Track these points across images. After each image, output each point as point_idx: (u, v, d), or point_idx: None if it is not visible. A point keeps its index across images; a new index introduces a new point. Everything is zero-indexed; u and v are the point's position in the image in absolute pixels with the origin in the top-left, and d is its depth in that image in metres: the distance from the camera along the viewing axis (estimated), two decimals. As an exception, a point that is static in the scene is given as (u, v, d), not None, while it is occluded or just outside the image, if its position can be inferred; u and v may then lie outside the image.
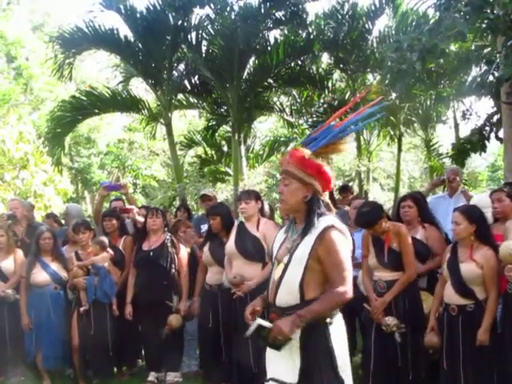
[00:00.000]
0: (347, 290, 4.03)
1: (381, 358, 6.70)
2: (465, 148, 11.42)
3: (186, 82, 15.38)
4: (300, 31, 14.48)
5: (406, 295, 6.71)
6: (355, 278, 7.34)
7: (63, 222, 10.92)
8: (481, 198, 7.95)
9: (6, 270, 8.67)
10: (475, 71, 11.29)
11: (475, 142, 11.05)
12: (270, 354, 4.26)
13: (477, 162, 32.82)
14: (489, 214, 6.99)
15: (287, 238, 4.34)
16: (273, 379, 4.22)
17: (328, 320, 4.11)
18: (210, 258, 7.92)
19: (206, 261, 8.02)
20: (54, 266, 8.57)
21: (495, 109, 11.37)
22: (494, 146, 18.64)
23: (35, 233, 8.91)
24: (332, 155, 4.42)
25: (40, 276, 8.48)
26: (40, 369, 8.54)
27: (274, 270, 4.39)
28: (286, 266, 4.19)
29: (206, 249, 8.05)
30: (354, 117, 4.37)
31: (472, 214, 6.34)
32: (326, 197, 4.28)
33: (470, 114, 12.31)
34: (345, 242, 4.15)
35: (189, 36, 14.16)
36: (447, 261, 6.38)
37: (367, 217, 6.97)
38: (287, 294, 4.15)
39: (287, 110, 17.53)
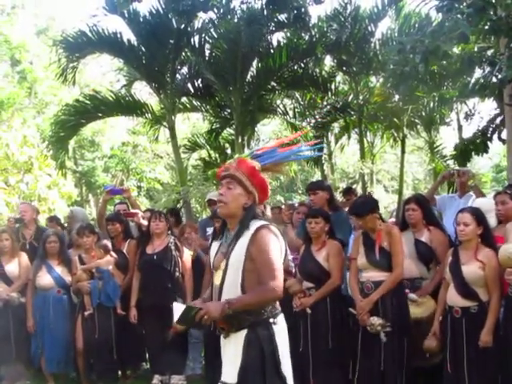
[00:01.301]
0: (277, 286, 4.12)
1: (367, 363, 6.68)
2: (467, 149, 11.42)
3: (190, 85, 15.41)
4: (303, 34, 14.50)
5: (393, 296, 6.68)
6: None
7: (66, 225, 10.92)
8: (484, 201, 7.94)
9: (11, 274, 8.69)
10: (478, 73, 11.27)
11: (478, 143, 11.05)
12: (223, 357, 4.41)
13: (481, 163, 32.81)
14: (491, 219, 6.99)
15: (222, 244, 4.45)
16: (221, 382, 4.33)
17: (271, 320, 4.23)
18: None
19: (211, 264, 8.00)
20: (59, 270, 8.60)
21: (498, 110, 11.36)
22: (498, 147, 18.59)
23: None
24: (272, 173, 4.71)
25: (44, 279, 8.52)
26: (44, 372, 8.57)
27: (213, 277, 4.49)
28: (225, 271, 4.29)
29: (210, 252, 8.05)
30: (297, 148, 4.62)
31: (480, 215, 6.34)
32: (259, 209, 4.54)
33: (473, 115, 12.31)
34: (275, 242, 4.24)
35: (192, 39, 14.19)
36: (449, 264, 6.37)
37: (360, 206, 7.02)
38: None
39: (290, 112, 17.52)
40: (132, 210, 9.56)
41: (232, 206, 4.30)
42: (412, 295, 6.84)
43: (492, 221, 6.99)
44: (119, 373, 8.75)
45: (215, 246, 4.57)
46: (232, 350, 4.26)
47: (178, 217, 10.53)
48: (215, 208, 9.27)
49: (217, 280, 4.36)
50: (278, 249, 4.24)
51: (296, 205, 9.61)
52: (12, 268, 8.72)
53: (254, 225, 4.23)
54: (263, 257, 4.14)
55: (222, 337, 4.42)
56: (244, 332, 4.19)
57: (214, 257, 4.50)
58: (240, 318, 4.16)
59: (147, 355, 8.94)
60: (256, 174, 4.34)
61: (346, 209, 9.53)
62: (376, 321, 6.53)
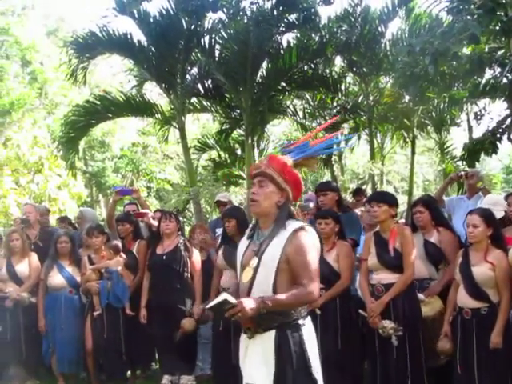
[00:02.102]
0: (315, 289, 4.09)
1: (386, 367, 6.66)
2: (476, 149, 11.37)
3: (200, 85, 15.36)
4: (313, 34, 14.45)
5: (405, 297, 6.66)
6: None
7: (77, 225, 10.95)
8: (492, 196, 7.94)
9: (21, 274, 8.75)
10: (489, 73, 11.22)
11: (487, 144, 11.00)
12: (246, 359, 4.31)
13: (492, 165, 32.75)
14: (498, 213, 7.01)
15: (252, 242, 4.38)
16: None
17: (300, 321, 4.18)
18: (223, 261, 7.92)
19: (221, 264, 8.02)
20: (70, 270, 8.65)
21: (508, 111, 11.32)
22: (509, 149, 18.55)
23: (52, 236, 8.99)
24: (305, 168, 4.62)
25: (56, 279, 8.57)
26: (55, 372, 8.60)
27: (240, 274, 4.41)
28: (256, 269, 4.22)
29: (220, 252, 8.06)
30: (330, 139, 4.56)
31: (490, 217, 6.33)
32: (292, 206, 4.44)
33: (483, 115, 12.26)
34: (313, 244, 4.21)
35: (202, 40, 14.16)
36: (459, 265, 6.36)
37: (380, 194, 7.19)
38: None
39: (300, 113, 17.46)
40: (142, 210, 9.57)
41: (265, 205, 4.25)
42: (419, 295, 6.83)
43: (498, 214, 7.01)
44: (129, 373, 8.78)
45: (244, 243, 4.50)
46: (259, 351, 4.19)
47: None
48: (225, 209, 9.33)
49: (245, 278, 4.30)
50: (315, 251, 4.21)
51: (311, 206, 9.52)
52: (22, 268, 8.78)
53: (291, 225, 4.19)
54: (301, 258, 4.10)
55: (245, 337, 4.35)
56: (272, 333, 4.13)
57: (242, 254, 4.43)
58: (269, 318, 4.11)
59: (157, 355, 8.96)
60: (288, 170, 4.27)
61: (356, 210, 9.54)
62: (388, 324, 6.50)
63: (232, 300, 3.98)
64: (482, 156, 11.71)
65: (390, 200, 6.95)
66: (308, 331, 4.23)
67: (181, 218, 10.32)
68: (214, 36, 14.22)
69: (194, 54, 14.56)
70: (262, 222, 4.37)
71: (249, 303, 3.97)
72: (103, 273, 8.41)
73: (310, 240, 4.19)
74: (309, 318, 4.29)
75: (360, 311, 6.87)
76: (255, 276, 4.21)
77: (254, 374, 4.21)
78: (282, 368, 4.10)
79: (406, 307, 6.63)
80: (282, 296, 4.06)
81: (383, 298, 6.65)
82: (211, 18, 14.01)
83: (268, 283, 4.14)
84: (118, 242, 8.62)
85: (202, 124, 29.35)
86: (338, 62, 16.39)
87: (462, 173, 9.05)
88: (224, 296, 4.03)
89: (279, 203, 4.25)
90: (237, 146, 18.11)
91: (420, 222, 7.36)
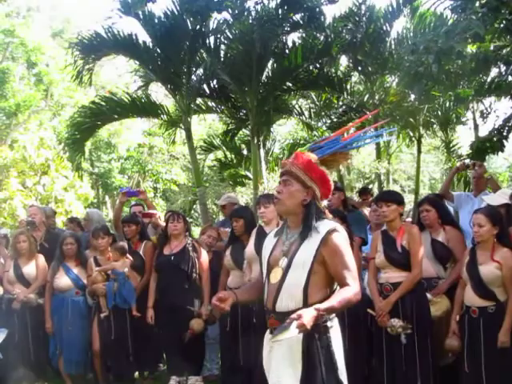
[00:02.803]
0: (359, 290, 4.03)
1: (394, 365, 6.65)
2: (483, 147, 11.36)
3: (205, 86, 15.37)
4: (318, 34, 14.45)
5: (413, 296, 6.64)
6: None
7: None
8: (493, 196, 7.94)
9: (28, 275, 8.77)
10: (494, 72, 11.22)
11: (494, 142, 10.99)
12: (272, 360, 4.21)
13: (498, 163, 32.71)
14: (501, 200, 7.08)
15: (281, 242, 4.32)
16: None
17: (329, 324, 4.11)
18: (231, 261, 7.90)
19: (228, 264, 8.00)
20: (77, 271, 8.65)
21: (515, 109, 11.32)
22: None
23: (57, 238, 9.01)
24: (335, 165, 4.45)
25: (62, 281, 8.57)
26: (62, 373, 8.61)
27: (266, 274, 4.34)
28: (286, 270, 4.16)
29: (227, 252, 8.04)
30: (361, 133, 4.47)
31: (495, 216, 6.33)
32: (322, 204, 4.30)
33: (489, 113, 12.25)
34: (348, 245, 4.17)
35: (207, 41, 14.17)
36: (466, 264, 6.36)
37: (387, 193, 7.19)
38: (289, 299, 4.12)
39: (306, 112, 17.45)
40: (150, 211, 9.56)
41: (288, 203, 4.19)
42: (427, 294, 6.83)
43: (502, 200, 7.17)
44: (136, 374, 8.79)
45: (271, 240, 4.44)
46: (286, 352, 4.10)
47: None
48: (233, 208, 9.32)
49: (274, 278, 4.22)
50: (351, 253, 4.18)
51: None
52: (29, 269, 8.80)
53: (324, 226, 4.13)
54: (341, 259, 4.05)
55: (270, 337, 4.23)
56: (300, 335, 3.95)
57: (269, 253, 4.36)
58: None
59: (164, 356, 8.96)
60: (313, 168, 4.19)
61: (364, 209, 9.55)
62: (397, 323, 6.49)
63: (294, 331, 3.76)
64: (488, 155, 11.72)
65: (398, 199, 6.96)
66: (336, 333, 4.17)
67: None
68: (218, 36, 14.24)
69: (199, 54, 14.58)
70: (290, 221, 4.32)
71: (308, 316, 3.76)
72: (109, 274, 8.41)
73: (345, 240, 4.15)
74: (336, 320, 4.21)
75: (369, 310, 6.85)
76: (285, 277, 4.15)
77: (280, 375, 4.13)
78: (309, 370, 4.04)
79: (415, 305, 6.61)
80: (333, 302, 3.97)
81: (391, 297, 6.64)
82: (216, 18, 14.02)
83: (299, 285, 4.08)
84: (124, 244, 8.62)
85: (207, 124, 29.35)
86: (344, 61, 16.41)
87: (469, 162, 9.01)
88: (281, 326, 3.85)
89: (305, 202, 4.18)
90: (243, 146, 18.14)
91: (426, 220, 7.36)
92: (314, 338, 4.05)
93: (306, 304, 4.03)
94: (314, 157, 4.21)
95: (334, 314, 4.16)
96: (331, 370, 4.07)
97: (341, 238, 4.12)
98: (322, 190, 4.25)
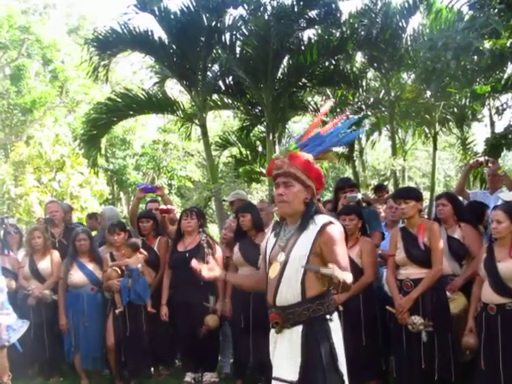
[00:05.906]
0: (349, 278, 3.96)
1: (414, 361, 6.61)
2: (498, 143, 11.32)
3: (221, 82, 15.38)
4: (333, 30, 14.43)
5: (433, 293, 6.62)
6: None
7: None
8: (509, 193, 7.90)
9: (43, 271, 8.78)
10: (510, 68, 11.17)
11: (509, 138, 10.94)
12: (275, 352, 4.33)
13: (513, 160, 32.59)
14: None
15: (279, 239, 4.41)
16: (275, 378, 4.26)
17: (328, 317, 4.21)
18: (241, 258, 7.91)
19: (237, 261, 8.00)
20: (91, 267, 8.63)
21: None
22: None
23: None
24: (325, 161, 4.72)
25: (77, 277, 8.55)
26: (78, 369, 8.62)
27: (267, 270, 4.43)
28: (284, 264, 4.25)
29: (236, 249, 8.04)
30: (338, 124, 4.54)
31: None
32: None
33: (505, 110, 12.20)
34: (343, 238, 4.26)
35: (223, 37, 14.16)
36: (484, 261, 6.32)
37: (406, 190, 7.20)
38: (288, 293, 4.22)
39: (321, 109, 17.42)
40: (168, 206, 9.54)
41: (295, 205, 4.29)
42: None
43: None
44: (152, 370, 8.78)
45: (271, 241, 4.54)
46: (287, 346, 4.22)
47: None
48: (240, 204, 9.28)
49: (272, 273, 4.33)
50: (345, 244, 4.29)
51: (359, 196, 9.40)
52: (44, 265, 8.81)
53: (320, 220, 4.23)
54: (335, 248, 4.13)
55: (273, 332, 4.37)
56: (299, 328, 4.17)
57: (270, 251, 4.46)
58: (297, 314, 4.17)
59: (180, 352, 8.96)
60: (311, 167, 4.31)
61: (379, 207, 9.51)
62: (418, 320, 6.46)
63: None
64: (504, 152, 11.68)
65: (416, 195, 6.93)
66: (335, 326, 4.26)
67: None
68: (234, 32, 14.22)
69: (214, 50, 14.58)
70: (289, 220, 4.41)
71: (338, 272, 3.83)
72: (124, 270, 8.41)
73: (340, 233, 4.23)
74: (336, 314, 4.32)
75: (388, 307, 6.83)
76: (283, 271, 4.24)
77: (281, 367, 4.24)
78: (308, 361, 4.13)
79: (435, 302, 6.59)
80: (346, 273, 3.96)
81: (412, 294, 6.61)
82: (232, 14, 14.01)
83: (297, 278, 4.18)
84: (137, 240, 8.62)
85: (223, 121, 29.39)
86: (359, 57, 16.38)
87: (482, 159, 8.93)
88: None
89: (306, 200, 4.29)
90: (258, 142, 18.13)
91: (442, 214, 7.34)
92: (314, 329, 4.17)
93: (305, 297, 4.17)
94: (310, 156, 4.32)
95: (332, 308, 4.30)
96: (330, 361, 4.16)
97: (336, 230, 4.22)
98: (317, 187, 4.37)
